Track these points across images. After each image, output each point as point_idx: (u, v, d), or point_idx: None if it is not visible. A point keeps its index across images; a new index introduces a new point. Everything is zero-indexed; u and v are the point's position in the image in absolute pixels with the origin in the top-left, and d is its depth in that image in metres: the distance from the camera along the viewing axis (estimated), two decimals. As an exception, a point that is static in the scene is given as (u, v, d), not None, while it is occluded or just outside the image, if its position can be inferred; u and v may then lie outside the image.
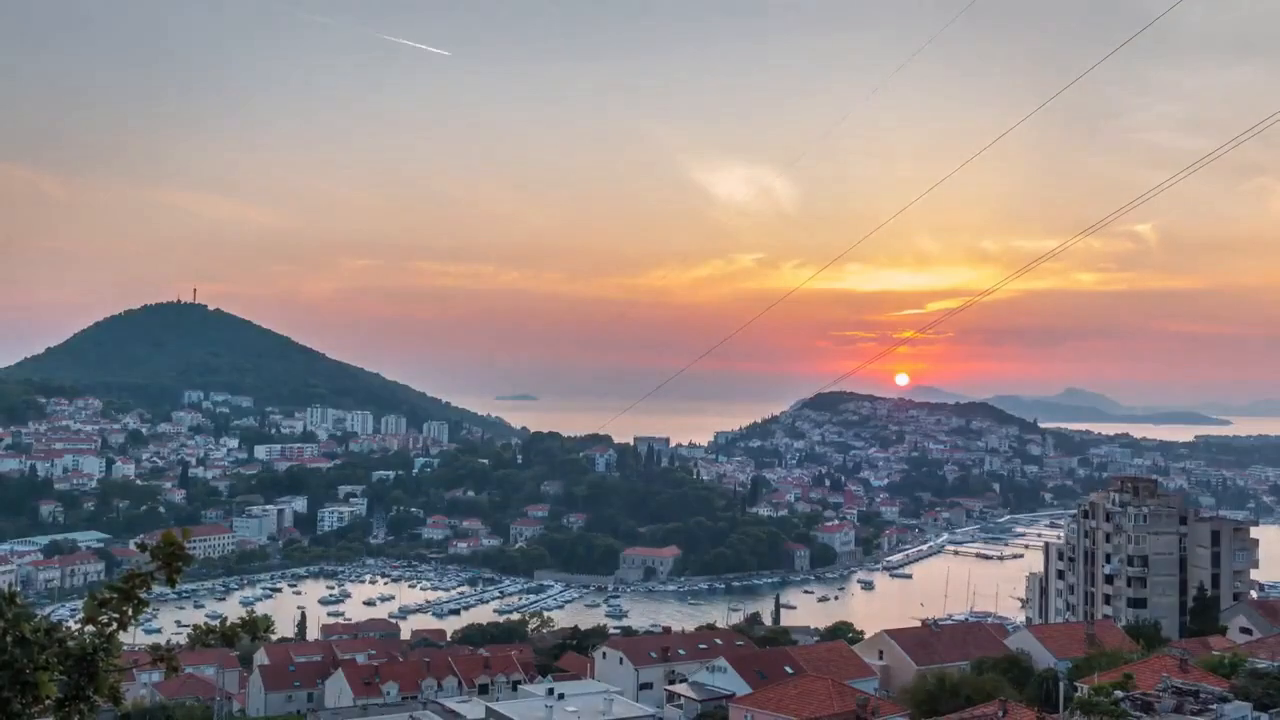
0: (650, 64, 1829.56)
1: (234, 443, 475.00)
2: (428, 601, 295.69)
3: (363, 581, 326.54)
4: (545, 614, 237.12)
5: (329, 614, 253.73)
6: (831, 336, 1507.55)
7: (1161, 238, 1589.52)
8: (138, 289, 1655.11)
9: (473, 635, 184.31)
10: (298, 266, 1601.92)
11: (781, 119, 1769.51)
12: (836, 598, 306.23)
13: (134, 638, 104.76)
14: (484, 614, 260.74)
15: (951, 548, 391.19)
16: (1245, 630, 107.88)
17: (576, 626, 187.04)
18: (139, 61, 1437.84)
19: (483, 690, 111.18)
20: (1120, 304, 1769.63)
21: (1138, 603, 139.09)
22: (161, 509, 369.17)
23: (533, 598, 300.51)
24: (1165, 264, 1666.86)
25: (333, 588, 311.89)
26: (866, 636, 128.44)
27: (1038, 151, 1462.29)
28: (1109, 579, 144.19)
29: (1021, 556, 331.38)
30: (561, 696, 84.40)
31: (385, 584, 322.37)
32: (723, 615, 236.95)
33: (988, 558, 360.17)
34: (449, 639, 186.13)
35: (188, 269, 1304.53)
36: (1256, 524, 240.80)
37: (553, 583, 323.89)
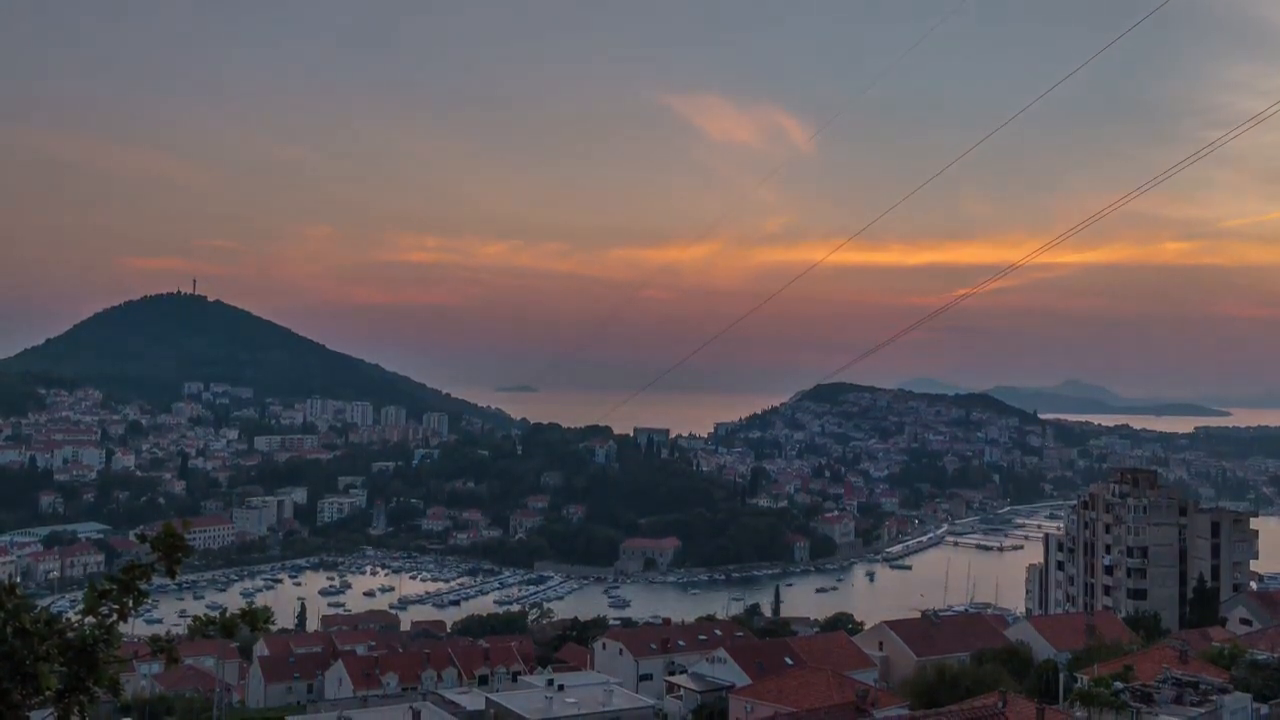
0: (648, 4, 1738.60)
1: (234, 434, 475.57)
2: (427, 593, 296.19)
3: (362, 573, 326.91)
4: (545, 605, 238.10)
5: (329, 605, 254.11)
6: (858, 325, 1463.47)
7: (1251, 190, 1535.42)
8: (135, 282, 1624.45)
9: (472, 627, 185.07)
10: (251, 236, 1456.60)
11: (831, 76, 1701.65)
12: (835, 589, 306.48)
13: (134, 629, 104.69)
14: (484, 605, 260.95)
15: (951, 539, 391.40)
16: (1245, 621, 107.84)
17: (576, 618, 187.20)
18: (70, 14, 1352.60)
19: (483, 681, 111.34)
20: (1188, 282, 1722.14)
21: (1137, 594, 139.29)
22: (161, 500, 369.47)
23: (532, 589, 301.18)
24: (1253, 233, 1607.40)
25: (333, 579, 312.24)
26: (866, 628, 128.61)
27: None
28: (1109, 570, 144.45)
29: (1021, 548, 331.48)
30: (561, 688, 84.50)
31: (385, 575, 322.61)
32: (723, 606, 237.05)
33: (987, 549, 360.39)
34: (449, 630, 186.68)
35: (130, 236, 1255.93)
36: (1256, 515, 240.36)
37: (552, 574, 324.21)
